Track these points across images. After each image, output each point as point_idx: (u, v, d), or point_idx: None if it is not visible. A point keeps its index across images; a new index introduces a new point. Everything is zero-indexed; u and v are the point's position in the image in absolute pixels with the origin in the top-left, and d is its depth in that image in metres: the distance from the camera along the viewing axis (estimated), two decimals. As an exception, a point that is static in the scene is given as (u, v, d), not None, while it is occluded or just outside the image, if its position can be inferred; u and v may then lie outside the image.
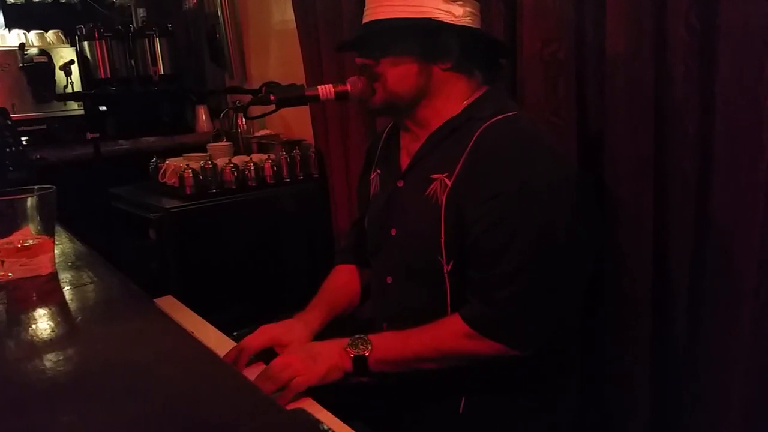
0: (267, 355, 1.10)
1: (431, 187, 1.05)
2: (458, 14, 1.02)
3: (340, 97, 1.12)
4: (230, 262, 2.16)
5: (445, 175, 1.04)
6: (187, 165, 2.17)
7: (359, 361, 1.02)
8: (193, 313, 1.33)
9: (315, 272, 2.33)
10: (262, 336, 1.12)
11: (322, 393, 0.99)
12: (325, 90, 1.12)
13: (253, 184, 2.24)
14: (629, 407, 1.27)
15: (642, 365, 1.23)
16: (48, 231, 0.91)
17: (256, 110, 1.25)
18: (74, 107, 2.97)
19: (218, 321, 1.26)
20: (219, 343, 1.15)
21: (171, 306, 1.34)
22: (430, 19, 1.01)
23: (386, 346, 1.03)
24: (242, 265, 2.19)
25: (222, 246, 2.15)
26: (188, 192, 2.14)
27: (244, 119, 2.65)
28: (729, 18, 1.01)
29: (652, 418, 1.25)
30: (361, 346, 1.02)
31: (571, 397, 1.15)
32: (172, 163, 2.31)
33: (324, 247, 2.35)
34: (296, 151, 2.35)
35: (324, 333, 1.19)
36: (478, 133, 1.02)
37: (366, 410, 1.09)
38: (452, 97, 1.07)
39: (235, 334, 1.25)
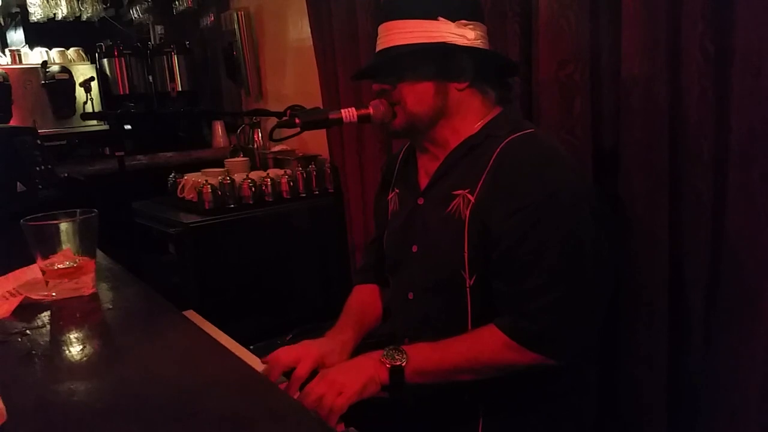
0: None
1: (453, 203, 1.07)
2: (471, 37, 1.06)
3: (363, 120, 1.15)
4: (248, 276, 2.20)
5: (467, 191, 1.06)
6: (206, 180, 2.21)
7: (396, 372, 1.00)
8: (214, 328, 1.35)
9: (330, 286, 2.36)
10: (308, 358, 1.09)
11: None
12: (348, 113, 1.15)
13: (270, 199, 2.28)
14: (644, 424, 1.27)
15: (657, 381, 1.24)
16: (90, 252, 0.95)
17: (277, 131, 1.29)
18: (93, 123, 3.04)
19: (235, 334, 1.26)
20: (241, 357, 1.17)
21: (193, 320, 1.37)
22: (444, 43, 1.05)
23: (422, 357, 1.02)
24: (259, 279, 2.22)
25: (240, 260, 2.18)
26: (207, 207, 2.18)
27: (260, 134, 2.69)
28: (743, 41, 1.04)
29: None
30: (397, 357, 1.01)
31: (586, 415, 1.16)
32: (191, 178, 2.36)
33: (339, 262, 2.38)
34: (312, 167, 2.38)
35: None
36: (498, 150, 1.05)
37: (382, 427, 1.09)
38: (469, 116, 1.11)
39: (251, 347, 1.25)
